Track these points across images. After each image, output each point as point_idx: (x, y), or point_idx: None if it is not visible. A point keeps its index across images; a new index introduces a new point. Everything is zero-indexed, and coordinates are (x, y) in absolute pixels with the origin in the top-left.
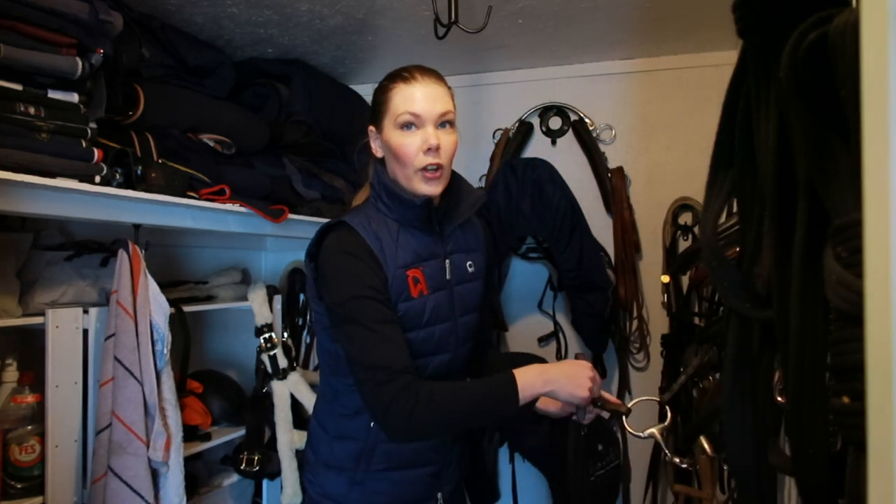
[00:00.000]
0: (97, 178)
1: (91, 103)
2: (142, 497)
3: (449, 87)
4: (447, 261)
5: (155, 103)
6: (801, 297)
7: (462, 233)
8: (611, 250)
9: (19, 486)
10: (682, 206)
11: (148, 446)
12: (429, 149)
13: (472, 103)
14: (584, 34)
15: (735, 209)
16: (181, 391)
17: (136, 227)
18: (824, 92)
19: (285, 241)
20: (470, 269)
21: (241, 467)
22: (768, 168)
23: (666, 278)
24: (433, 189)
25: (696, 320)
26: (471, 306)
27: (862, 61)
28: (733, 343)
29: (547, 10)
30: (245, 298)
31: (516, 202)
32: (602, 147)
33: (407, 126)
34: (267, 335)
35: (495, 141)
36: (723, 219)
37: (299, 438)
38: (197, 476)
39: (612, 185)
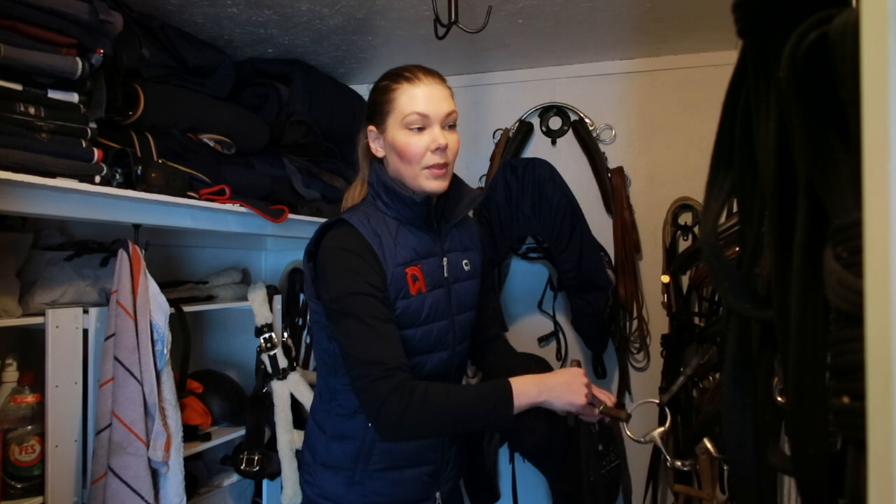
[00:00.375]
0: (97, 178)
1: (91, 103)
2: (142, 497)
3: (449, 88)
4: (444, 259)
5: (155, 103)
6: (801, 297)
7: (458, 232)
8: (611, 250)
9: (19, 486)
10: (682, 206)
11: (148, 446)
12: (437, 148)
13: (472, 103)
14: (584, 34)
15: (735, 209)
16: (181, 391)
17: (136, 227)
18: (824, 92)
19: (285, 241)
20: (466, 268)
21: (241, 467)
22: (768, 168)
23: (666, 278)
24: (440, 185)
25: (696, 320)
26: (467, 304)
27: (862, 61)
28: (733, 343)
29: (547, 10)
30: (245, 298)
31: (516, 202)
32: (602, 147)
33: (414, 126)
34: (267, 335)
35: (495, 141)
36: (723, 219)
37: (299, 438)
38: (197, 476)
39: (612, 185)
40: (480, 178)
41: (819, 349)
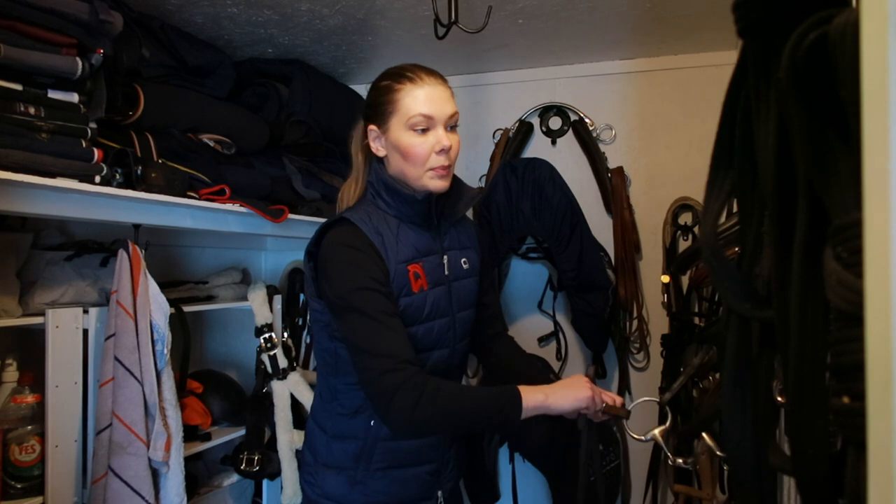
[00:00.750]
0: (97, 178)
1: (91, 103)
2: (142, 497)
3: (450, 88)
4: (445, 257)
5: (155, 103)
6: (801, 297)
7: (456, 231)
8: (611, 250)
9: (19, 486)
10: (682, 206)
11: (148, 446)
12: (441, 150)
13: (472, 103)
14: (584, 34)
15: (735, 209)
16: (181, 391)
17: (136, 227)
18: (824, 92)
19: (285, 241)
20: (465, 266)
21: (241, 467)
22: (768, 168)
23: (666, 278)
24: (443, 185)
25: (696, 320)
26: (467, 302)
27: (862, 61)
28: (733, 343)
29: (547, 10)
30: (245, 298)
31: (516, 202)
32: (602, 147)
33: (419, 128)
34: (267, 335)
35: (495, 141)
36: (723, 219)
37: (299, 438)
38: (197, 476)
39: (612, 185)
40: (480, 178)
41: (819, 349)
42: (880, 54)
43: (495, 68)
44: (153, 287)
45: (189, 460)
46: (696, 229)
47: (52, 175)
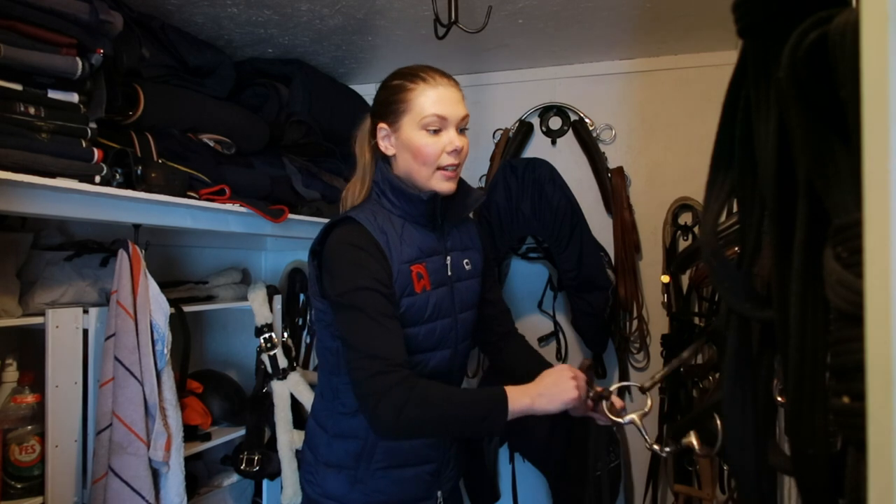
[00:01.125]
0: (97, 178)
1: (91, 103)
2: (142, 497)
3: (461, 90)
4: (448, 257)
5: (155, 103)
6: (801, 297)
7: (459, 231)
8: (611, 250)
9: (19, 486)
10: (682, 206)
11: (148, 446)
12: (453, 150)
13: (472, 103)
14: (584, 34)
15: (735, 209)
16: (181, 391)
17: (136, 227)
18: (824, 92)
19: (285, 241)
20: (467, 267)
21: (241, 467)
22: (768, 168)
23: (666, 278)
24: (450, 186)
25: (696, 320)
26: (470, 303)
27: (862, 61)
28: (733, 343)
29: (547, 10)
30: (245, 298)
31: (516, 202)
32: (602, 147)
33: (431, 128)
34: (267, 335)
35: (495, 141)
36: (722, 218)
37: (299, 438)
38: (197, 476)
39: (612, 185)
40: (480, 178)
41: (819, 349)
42: (880, 54)
43: (495, 68)
44: (153, 287)
45: (189, 460)
46: (696, 229)
47: (52, 175)
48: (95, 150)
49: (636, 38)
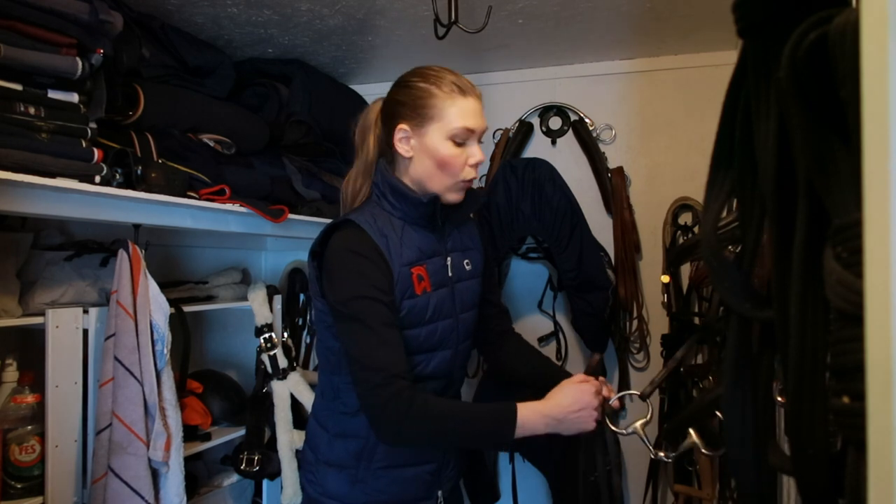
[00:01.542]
0: (97, 178)
1: (91, 103)
2: (142, 497)
3: None
4: (448, 258)
5: (155, 103)
6: (801, 297)
7: (459, 232)
8: (611, 250)
9: (19, 486)
10: (682, 206)
11: (148, 446)
12: (475, 163)
13: None
14: (584, 34)
15: (735, 209)
16: (181, 391)
17: (136, 227)
18: (824, 92)
19: (285, 241)
20: (468, 268)
21: (241, 467)
22: (768, 168)
23: (666, 278)
24: (461, 197)
25: (696, 320)
26: (470, 304)
27: (862, 61)
28: (733, 343)
29: (547, 10)
30: (245, 298)
31: (516, 202)
32: (602, 147)
33: (458, 139)
34: (267, 335)
35: (495, 141)
36: (723, 216)
37: (299, 438)
38: (197, 476)
39: (612, 185)
40: (480, 178)
41: (819, 349)
42: (880, 54)
43: (495, 68)
44: (153, 287)
45: (189, 460)
46: (696, 229)
47: (52, 175)
48: (95, 150)
49: (636, 38)
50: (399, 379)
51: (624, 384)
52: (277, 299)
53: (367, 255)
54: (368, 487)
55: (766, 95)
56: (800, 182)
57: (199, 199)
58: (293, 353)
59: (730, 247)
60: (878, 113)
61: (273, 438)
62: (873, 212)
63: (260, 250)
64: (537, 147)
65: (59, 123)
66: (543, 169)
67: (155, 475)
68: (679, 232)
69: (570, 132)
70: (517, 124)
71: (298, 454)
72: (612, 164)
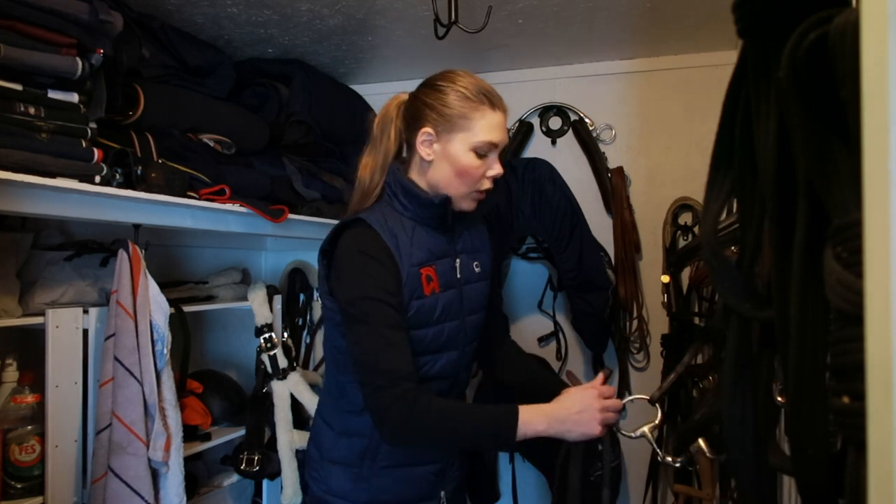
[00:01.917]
0: (97, 178)
1: (91, 103)
2: (142, 497)
3: None
4: (457, 260)
5: (155, 103)
6: (801, 297)
7: (469, 234)
8: (611, 250)
9: (19, 486)
10: (682, 206)
11: (148, 446)
12: (493, 175)
13: None
14: (584, 34)
15: (735, 209)
16: (181, 391)
17: (136, 227)
18: (824, 92)
19: (285, 241)
20: (476, 270)
21: (241, 467)
22: (768, 168)
23: (666, 278)
24: (474, 206)
25: (696, 320)
26: (478, 306)
27: (862, 61)
28: (733, 343)
29: (547, 10)
30: (245, 298)
31: (516, 202)
32: (602, 147)
33: (481, 151)
34: (267, 335)
35: None
36: (723, 216)
37: (299, 438)
38: (197, 476)
39: (612, 185)
40: None
41: (819, 349)
42: (880, 54)
43: (495, 68)
44: (153, 287)
45: (189, 460)
46: (696, 229)
47: (52, 175)
48: (95, 150)
49: (636, 38)
50: (403, 381)
51: (624, 384)
52: (277, 299)
53: (375, 256)
54: (372, 486)
55: (766, 95)
56: (800, 182)
57: (199, 199)
58: (293, 353)
59: (734, 249)
60: (878, 113)
61: (273, 438)
62: (873, 212)
63: (260, 250)
64: (537, 147)
65: (59, 123)
66: (543, 169)
67: (155, 475)
68: (679, 232)
69: (570, 132)
70: (517, 124)
71: (298, 454)
72: (612, 164)
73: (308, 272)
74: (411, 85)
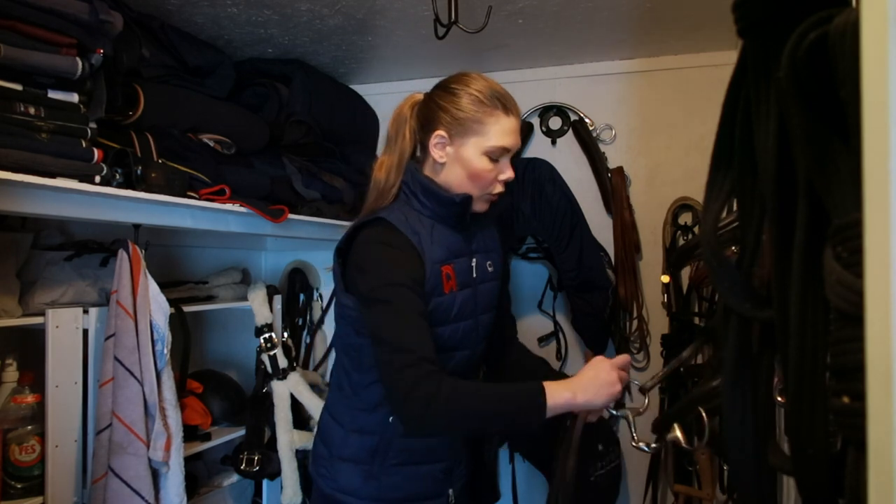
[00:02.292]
0: (97, 178)
1: (91, 103)
2: (142, 497)
3: None
4: (473, 259)
5: (155, 103)
6: (801, 297)
7: (482, 233)
8: (611, 250)
9: (19, 486)
10: (682, 206)
11: (148, 446)
12: (505, 179)
13: None
14: (584, 34)
15: (735, 209)
16: (181, 391)
17: (136, 227)
18: (824, 92)
19: (285, 241)
20: (489, 269)
21: (241, 467)
22: (768, 168)
23: (666, 278)
24: (485, 208)
25: (696, 320)
26: (490, 305)
27: (862, 61)
28: (733, 343)
29: (547, 10)
30: (245, 298)
31: (516, 202)
32: (602, 147)
33: (494, 156)
34: (267, 335)
35: None
36: (723, 216)
37: (299, 438)
38: (197, 476)
39: (612, 185)
40: None
41: (819, 349)
42: (880, 54)
43: (495, 68)
44: (153, 287)
45: (189, 460)
46: (696, 229)
47: (52, 175)
48: (95, 150)
49: (636, 38)
50: (427, 362)
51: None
52: (277, 299)
53: (400, 248)
54: (382, 483)
55: (766, 95)
56: (800, 182)
57: (199, 199)
58: (293, 353)
59: (734, 249)
60: (878, 113)
61: (273, 438)
62: (873, 212)
63: (260, 250)
64: (537, 147)
65: (59, 123)
66: (543, 169)
67: (155, 475)
68: (679, 232)
69: (570, 132)
70: None
71: (298, 454)
72: (612, 164)
73: (308, 272)
74: (411, 85)
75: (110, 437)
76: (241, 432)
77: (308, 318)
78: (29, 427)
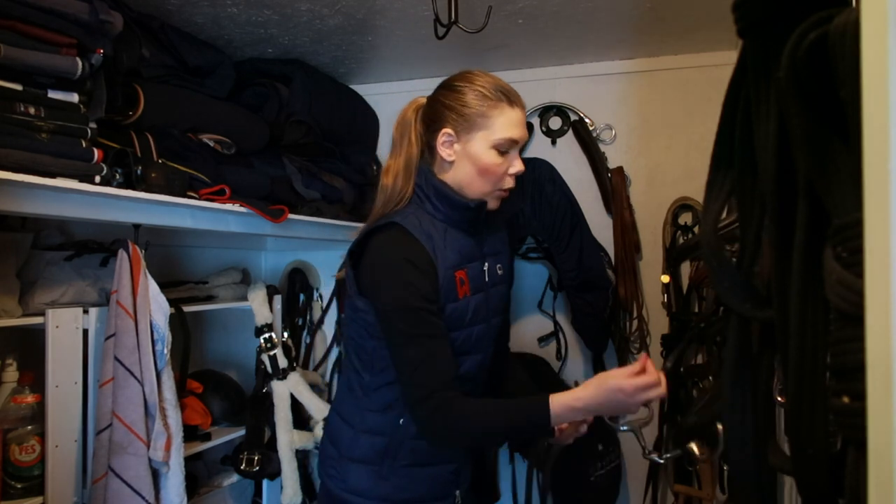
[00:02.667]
0: (97, 178)
1: (91, 103)
2: (142, 497)
3: None
4: (485, 263)
5: (155, 103)
6: (801, 297)
7: (492, 237)
8: (611, 250)
9: (19, 486)
10: (682, 206)
11: (148, 446)
12: (515, 173)
13: None
14: (584, 34)
15: (735, 209)
16: (181, 391)
17: (136, 227)
18: (824, 92)
19: (285, 241)
20: (499, 272)
21: (241, 467)
22: (768, 168)
23: (666, 278)
24: (497, 205)
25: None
26: (501, 308)
27: (862, 61)
28: (733, 343)
29: (547, 10)
30: (245, 298)
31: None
32: (602, 147)
33: (502, 149)
34: (267, 335)
35: None
36: (723, 216)
37: (299, 438)
38: (197, 476)
39: (612, 185)
40: None
41: (819, 349)
42: (880, 54)
43: (495, 68)
44: (153, 287)
45: (189, 460)
46: (696, 229)
47: (52, 175)
48: (95, 150)
49: (636, 38)
50: (439, 393)
51: None
52: (277, 299)
53: (416, 263)
54: (391, 484)
55: (766, 95)
56: (800, 182)
57: (199, 199)
58: (293, 353)
59: (729, 247)
60: (878, 113)
61: (273, 438)
62: (873, 212)
63: (260, 250)
64: (537, 147)
65: (59, 123)
66: (543, 169)
67: (155, 475)
68: (679, 232)
69: (570, 132)
70: None
71: (298, 454)
72: (612, 164)
73: (308, 272)
74: (411, 85)
75: (110, 437)
76: (241, 432)
77: (308, 318)
78: (29, 427)
